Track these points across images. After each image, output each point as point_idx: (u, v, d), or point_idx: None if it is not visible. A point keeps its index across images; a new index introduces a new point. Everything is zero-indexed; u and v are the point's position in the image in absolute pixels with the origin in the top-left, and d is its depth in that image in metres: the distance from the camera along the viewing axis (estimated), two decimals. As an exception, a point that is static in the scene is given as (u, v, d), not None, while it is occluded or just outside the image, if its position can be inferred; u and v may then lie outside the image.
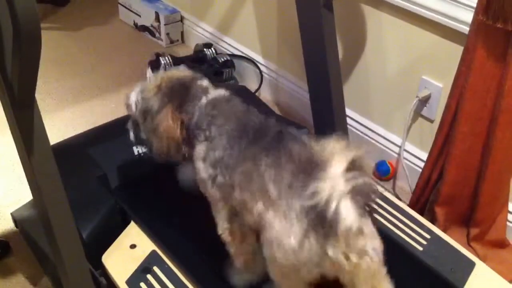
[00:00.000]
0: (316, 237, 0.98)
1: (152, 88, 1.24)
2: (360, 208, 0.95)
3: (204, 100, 1.22)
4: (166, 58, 2.26)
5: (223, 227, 1.22)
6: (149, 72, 1.30)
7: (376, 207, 1.02)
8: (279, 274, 1.08)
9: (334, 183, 0.93)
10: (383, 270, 1.07)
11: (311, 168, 1.03)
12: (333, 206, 0.92)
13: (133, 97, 1.28)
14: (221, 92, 1.25)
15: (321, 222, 0.96)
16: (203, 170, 1.19)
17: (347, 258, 0.99)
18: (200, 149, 1.20)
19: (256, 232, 1.16)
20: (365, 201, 0.97)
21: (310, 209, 0.97)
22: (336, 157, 0.97)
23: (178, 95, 1.23)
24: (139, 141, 1.33)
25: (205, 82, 1.27)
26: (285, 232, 1.02)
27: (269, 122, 1.18)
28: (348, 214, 0.93)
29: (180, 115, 1.22)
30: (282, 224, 1.02)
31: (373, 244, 1.01)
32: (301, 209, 1.00)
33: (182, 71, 1.30)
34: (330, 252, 0.98)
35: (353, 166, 0.96)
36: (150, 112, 1.23)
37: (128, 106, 1.30)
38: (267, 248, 1.06)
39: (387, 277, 1.09)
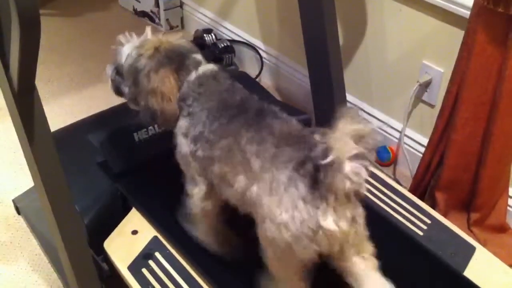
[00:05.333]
0: (307, 208, 0.98)
1: (150, 47, 1.22)
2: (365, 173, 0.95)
3: (194, 74, 1.22)
4: (166, 44, 2.25)
5: (196, 205, 1.25)
6: (148, 30, 1.29)
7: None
8: (273, 255, 1.07)
9: (345, 141, 0.92)
10: (367, 233, 1.08)
11: (294, 142, 1.04)
12: (344, 165, 0.92)
13: (127, 48, 1.26)
14: (209, 67, 1.25)
15: (318, 184, 0.96)
16: (185, 145, 1.21)
17: (338, 225, 0.99)
18: (182, 124, 1.21)
19: (233, 209, 1.18)
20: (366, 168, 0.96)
21: (304, 176, 0.98)
22: (343, 124, 0.95)
23: (176, 61, 1.23)
24: (118, 92, 1.32)
25: (199, 56, 1.27)
26: (275, 208, 1.01)
27: (251, 99, 1.19)
28: (356, 174, 0.93)
29: (177, 79, 1.22)
30: (271, 199, 1.02)
31: (359, 210, 1.03)
32: (290, 179, 1.01)
33: (179, 39, 1.29)
34: (322, 221, 0.98)
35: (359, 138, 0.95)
36: (142, 70, 1.21)
37: (117, 52, 1.28)
38: (260, 228, 1.06)
39: (369, 239, 1.10)
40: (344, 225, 1.00)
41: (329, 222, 0.98)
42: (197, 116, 1.18)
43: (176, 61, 1.23)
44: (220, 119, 1.15)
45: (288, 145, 1.05)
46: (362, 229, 1.05)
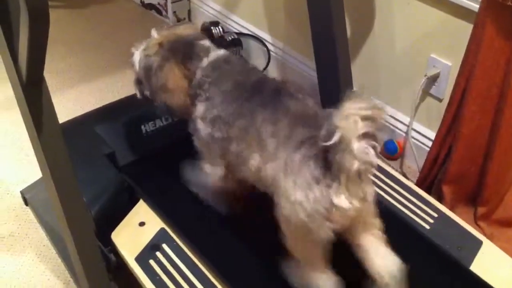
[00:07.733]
0: (320, 187, 1.00)
1: (153, 45, 1.26)
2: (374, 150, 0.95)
3: (205, 61, 1.25)
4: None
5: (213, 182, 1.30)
6: (153, 31, 1.32)
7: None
8: (291, 235, 1.09)
9: (353, 120, 0.92)
10: (376, 210, 1.12)
11: (309, 121, 1.06)
12: (352, 144, 0.92)
13: (137, 55, 1.30)
14: (221, 52, 1.28)
15: (330, 164, 0.98)
16: (203, 128, 1.24)
17: (351, 203, 1.01)
18: (200, 108, 1.24)
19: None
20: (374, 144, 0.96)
21: (316, 155, 1.00)
22: (350, 103, 0.95)
23: (181, 52, 1.25)
24: (145, 99, 1.35)
25: (207, 42, 1.30)
26: (290, 187, 1.03)
27: (267, 79, 1.21)
28: (365, 154, 0.93)
29: (184, 70, 1.25)
30: (286, 179, 1.04)
31: (370, 188, 1.05)
32: (303, 159, 1.02)
33: (185, 29, 1.32)
34: (335, 199, 1.00)
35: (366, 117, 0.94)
36: (152, 69, 1.25)
37: (132, 64, 1.32)
38: (277, 206, 1.08)
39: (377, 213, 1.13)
40: (356, 202, 1.01)
41: (341, 200, 1.00)
42: (214, 99, 1.21)
43: (181, 51, 1.25)
44: (236, 100, 1.17)
45: (302, 126, 1.06)
46: (372, 207, 1.09)
